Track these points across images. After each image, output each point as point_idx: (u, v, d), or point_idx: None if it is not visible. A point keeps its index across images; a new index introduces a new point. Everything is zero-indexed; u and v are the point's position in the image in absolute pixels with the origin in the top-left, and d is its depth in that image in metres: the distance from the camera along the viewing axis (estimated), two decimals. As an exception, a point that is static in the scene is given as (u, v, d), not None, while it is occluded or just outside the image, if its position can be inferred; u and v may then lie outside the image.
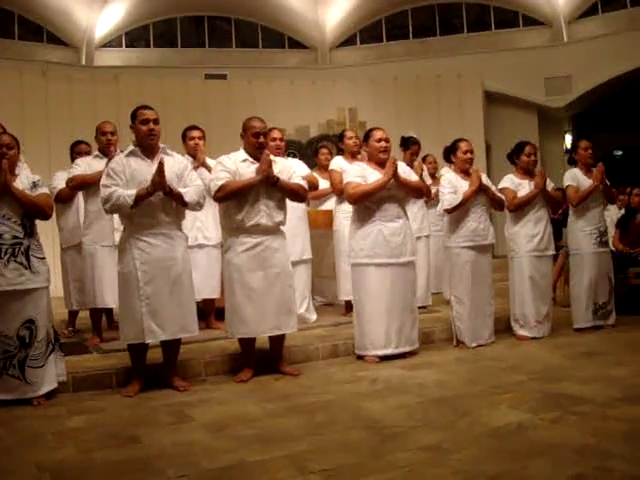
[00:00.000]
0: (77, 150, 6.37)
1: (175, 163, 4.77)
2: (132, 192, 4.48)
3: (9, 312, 4.35)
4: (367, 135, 5.58)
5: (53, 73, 13.21)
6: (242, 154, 4.99)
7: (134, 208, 4.49)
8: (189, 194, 4.68)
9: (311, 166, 7.01)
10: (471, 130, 11.60)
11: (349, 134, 6.96)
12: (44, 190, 4.61)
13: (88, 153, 6.23)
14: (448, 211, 5.79)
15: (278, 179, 4.87)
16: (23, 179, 4.52)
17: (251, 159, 4.94)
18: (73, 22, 15.08)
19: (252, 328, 4.91)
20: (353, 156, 6.70)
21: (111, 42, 15.85)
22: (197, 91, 13.80)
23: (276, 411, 4.18)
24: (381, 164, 5.42)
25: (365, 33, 16.65)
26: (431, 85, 14.58)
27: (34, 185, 4.53)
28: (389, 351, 5.36)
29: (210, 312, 6.30)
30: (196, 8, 16.09)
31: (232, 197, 4.84)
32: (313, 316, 6.54)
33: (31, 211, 4.47)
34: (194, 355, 5.18)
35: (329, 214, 6.93)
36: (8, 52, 14.23)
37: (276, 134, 6.12)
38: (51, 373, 4.55)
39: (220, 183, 4.81)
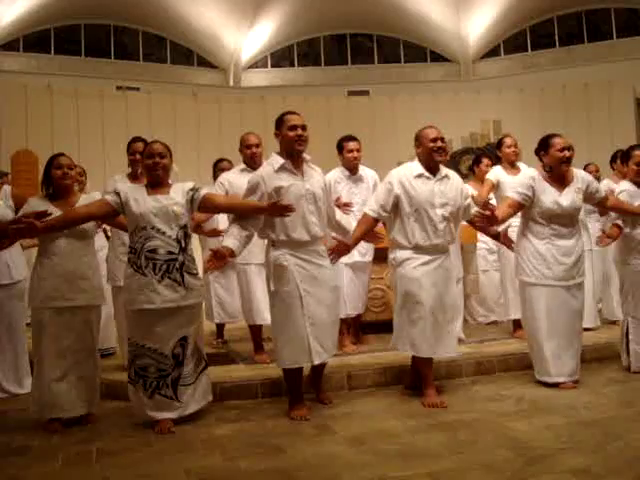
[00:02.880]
0: (220, 167, 6.57)
1: (320, 178, 4.70)
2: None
3: (164, 329, 4.25)
4: (545, 143, 5.06)
5: (203, 95, 13.88)
6: (417, 167, 4.77)
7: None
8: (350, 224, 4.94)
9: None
10: (622, 140, 11.02)
11: (508, 142, 6.49)
12: (206, 190, 4.55)
13: (229, 170, 6.28)
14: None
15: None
16: (178, 190, 4.40)
17: (427, 173, 4.72)
18: (221, 46, 15.74)
19: (433, 349, 4.67)
20: (512, 165, 6.42)
21: (257, 63, 16.41)
22: (340, 108, 14.05)
23: (418, 427, 4.15)
24: (560, 178, 5.04)
25: (509, 43, 16.30)
26: (579, 94, 14.12)
27: (195, 190, 4.41)
28: (561, 379, 4.96)
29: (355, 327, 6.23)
30: (338, 26, 16.37)
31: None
32: (462, 335, 6.17)
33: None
34: (337, 368, 5.22)
35: (470, 229, 6.77)
36: (162, 76, 15.11)
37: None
38: (200, 391, 4.47)
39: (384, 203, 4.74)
